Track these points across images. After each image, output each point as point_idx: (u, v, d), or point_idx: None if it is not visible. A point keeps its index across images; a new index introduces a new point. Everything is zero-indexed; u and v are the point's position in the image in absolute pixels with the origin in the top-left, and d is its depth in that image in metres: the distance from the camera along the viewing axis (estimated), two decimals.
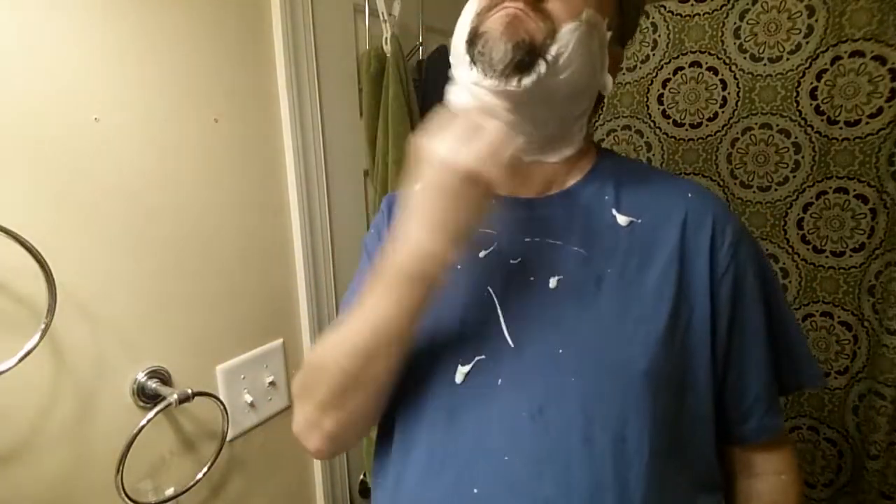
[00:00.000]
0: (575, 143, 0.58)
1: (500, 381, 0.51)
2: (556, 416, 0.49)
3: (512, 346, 0.52)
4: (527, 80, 0.50)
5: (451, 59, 0.56)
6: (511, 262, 0.55)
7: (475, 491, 0.50)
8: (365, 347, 0.49)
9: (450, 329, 0.55)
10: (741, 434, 0.58)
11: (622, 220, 0.55)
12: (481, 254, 0.57)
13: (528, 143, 0.55)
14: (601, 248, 0.54)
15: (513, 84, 0.50)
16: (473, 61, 0.51)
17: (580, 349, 0.50)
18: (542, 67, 0.49)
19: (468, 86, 0.53)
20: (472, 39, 0.52)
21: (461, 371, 0.53)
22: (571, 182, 0.58)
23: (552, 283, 0.53)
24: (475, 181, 0.44)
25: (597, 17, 0.52)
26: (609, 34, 0.55)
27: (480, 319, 0.54)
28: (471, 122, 0.47)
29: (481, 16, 0.52)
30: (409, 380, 0.56)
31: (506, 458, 0.49)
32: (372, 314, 0.49)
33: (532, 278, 0.54)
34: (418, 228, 0.47)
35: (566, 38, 0.50)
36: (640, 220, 0.55)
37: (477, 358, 0.53)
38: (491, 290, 0.55)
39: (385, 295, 0.48)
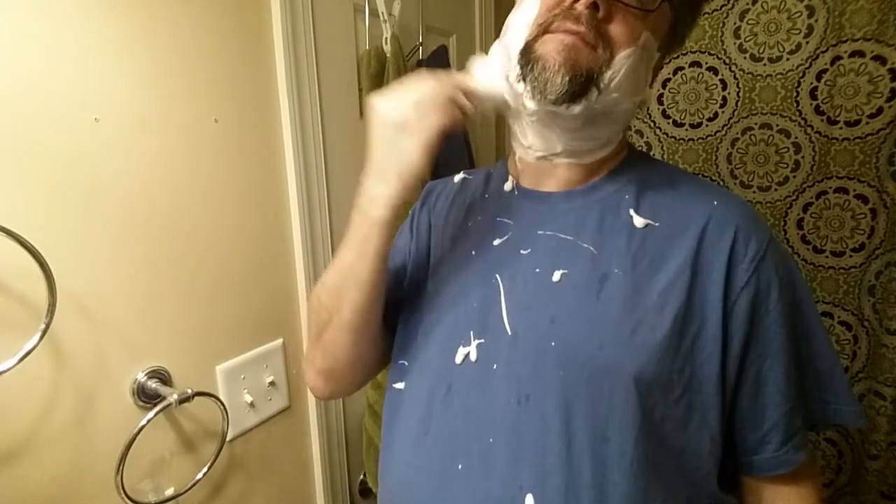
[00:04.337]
0: (609, 148, 0.57)
1: (495, 366, 0.52)
2: (539, 407, 0.50)
3: (509, 333, 0.53)
4: (576, 108, 0.50)
5: (499, 47, 0.54)
6: (521, 252, 0.56)
7: (459, 467, 0.51)
8: (335, 284, 0.58)
9: (458, 311, 0.57)
10: (754, 464, 0.55)
11: (639, 221, 0.53)
12: (495, 241, 0.58)
13: (563, 150, 0.55)
14: (612, 247, 0.53)
15: (561, 109, 0.50)
16: (524, 78, 0.50)
17: (571, 345, 0.50)
18: (593, 95, 0.49)
19: (511, 89, 0.52)
20: (527, 56, 0.50)
21: (461, 352, 0.54)
22: (594, 178, 0.58)
23: (556, 276, 0.53)
24: (402, 128, 0.51)
25: (651, 39, 0.51)
26: (658, 55, 0.55)
27: (486, 305, 0.55)
28: (416, 83, 0.52)
29: (539, 30, 0.50)
30: (421, 351, 0.58)
31: (490, 441, 0.51)
32: (340, 254, 0.58)
33: (538, 270, 0.54)
34: (368, 174, 0.54)
35: (620, 64, 0.49)
36: (657, 224, 0.53)
37: (477, 342, 0.54)
38: (498, 278, 0.56)
39: (348, 237, 0.57)
